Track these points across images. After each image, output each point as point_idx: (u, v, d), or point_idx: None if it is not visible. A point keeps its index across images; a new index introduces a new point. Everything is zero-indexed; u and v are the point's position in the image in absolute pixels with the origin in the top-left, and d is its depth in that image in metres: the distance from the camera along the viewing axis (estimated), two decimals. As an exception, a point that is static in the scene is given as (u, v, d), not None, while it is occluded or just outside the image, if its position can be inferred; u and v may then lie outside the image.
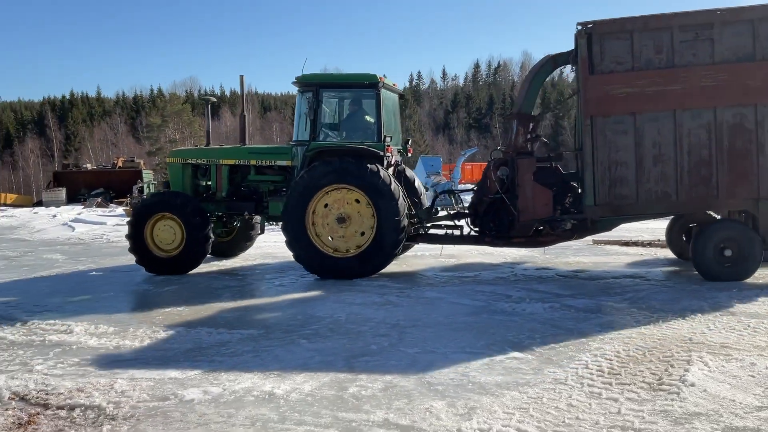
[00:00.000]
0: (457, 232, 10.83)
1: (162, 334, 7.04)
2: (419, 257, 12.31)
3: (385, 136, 10.38)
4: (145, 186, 33.95)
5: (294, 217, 10.15)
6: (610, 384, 5.04)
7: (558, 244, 10.43)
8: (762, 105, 8.88)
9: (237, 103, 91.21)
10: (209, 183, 11.87)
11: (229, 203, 11.62)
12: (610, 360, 5.64)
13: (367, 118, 10.79)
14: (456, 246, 12.16)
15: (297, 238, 10.16)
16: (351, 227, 10.21)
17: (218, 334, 7.00)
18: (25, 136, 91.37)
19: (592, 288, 8.98)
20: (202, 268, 11.71)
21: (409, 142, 11.86)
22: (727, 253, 9.06)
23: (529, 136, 10.14)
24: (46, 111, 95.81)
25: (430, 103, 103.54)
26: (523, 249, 12.39)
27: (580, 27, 9.27)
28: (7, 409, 4.92)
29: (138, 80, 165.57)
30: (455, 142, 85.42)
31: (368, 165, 9.98)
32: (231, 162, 11.55)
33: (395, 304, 8.28)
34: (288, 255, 10.70)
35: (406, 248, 11.88)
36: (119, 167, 44.97)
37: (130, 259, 11.45)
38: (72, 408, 4.89)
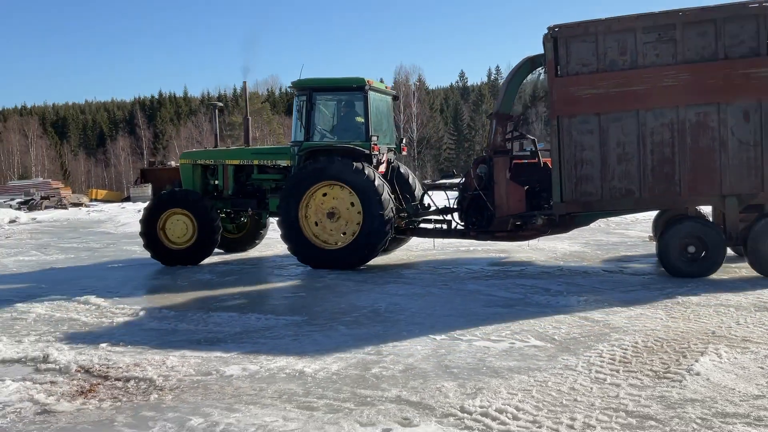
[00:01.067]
0: (444, 227, 11.37)
1: (216, 318, 7.70)
2: (470, 251, 12.61)
3: (371, 136, 10.98)
4: None
5: (287, 211, 10.91)
6: (618, 371, 5.29)
7: (602, 241, 10.52)
8: (724, 103, 8.90)
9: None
10: (217, 182, 12.75)
11: (234, 200, 12.53)
12: (626, 350, 5.86)
13: (357, 119, 11.44)
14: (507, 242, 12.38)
15: (290, 231, 10.92)
16: (340, 221, 10.92)
17: (266, 319, 7.59)
18: (117, 134, 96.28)
19: (633, 282, 9.07)
20: (255, 259, 12.45)
21: (403, 141, 12.49)
22: (691, 249, 9.18)
23: (508, 135, 10.46)
24: (136, 110, 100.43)
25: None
26: (576, 244, 12.58)
27: (547, 30, 9.48)
28: (72, 380, 5.64)
29: (222, 79, 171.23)
30: (533, 136, 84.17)
31: (354, 163, 10.63)
32: (236, 162, 12.44)
33: (436, 295, 8.66)
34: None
35: (399, 242, 12.44)
36: (201, 164, 46.75)
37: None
38: (127, 380, 5.56)
